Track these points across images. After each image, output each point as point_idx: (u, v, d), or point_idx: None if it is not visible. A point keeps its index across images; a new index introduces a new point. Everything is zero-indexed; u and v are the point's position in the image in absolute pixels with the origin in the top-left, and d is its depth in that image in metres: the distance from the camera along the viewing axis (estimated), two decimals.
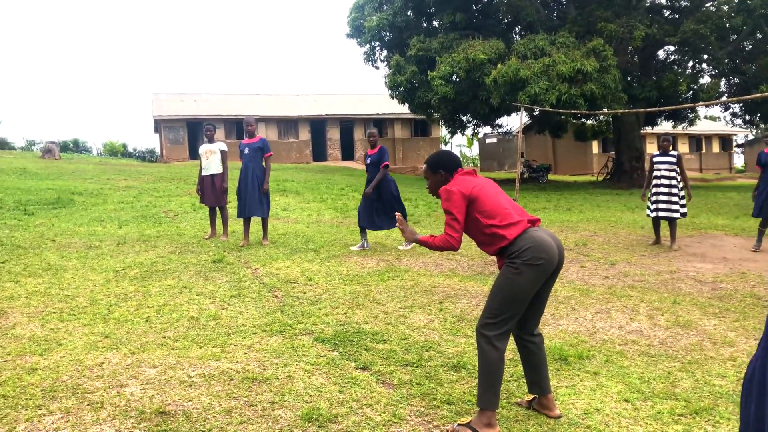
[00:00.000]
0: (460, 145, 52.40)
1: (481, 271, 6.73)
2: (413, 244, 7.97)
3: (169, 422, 2.94)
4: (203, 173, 8.63)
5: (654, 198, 8.30)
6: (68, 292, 5.49)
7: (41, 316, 4.77)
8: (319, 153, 32.29)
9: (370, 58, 24.46)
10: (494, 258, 5.33)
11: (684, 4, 22.96)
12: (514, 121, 36.50)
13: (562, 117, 23.80)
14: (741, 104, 24.76)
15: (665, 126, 30.06)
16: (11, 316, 4.77)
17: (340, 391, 3.34)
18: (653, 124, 27.16)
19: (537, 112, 23.17)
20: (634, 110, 18.10)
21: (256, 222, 9.11)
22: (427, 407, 3.18)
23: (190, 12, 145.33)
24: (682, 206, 8.19)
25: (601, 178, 26.28)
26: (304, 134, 32.05)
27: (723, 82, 23.76)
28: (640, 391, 3.41)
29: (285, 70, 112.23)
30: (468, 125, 26.79)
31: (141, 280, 6.06)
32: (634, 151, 23.17)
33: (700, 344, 4.25)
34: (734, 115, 26.37)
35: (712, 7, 21.51)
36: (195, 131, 30.12)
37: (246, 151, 8.21)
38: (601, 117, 26.06)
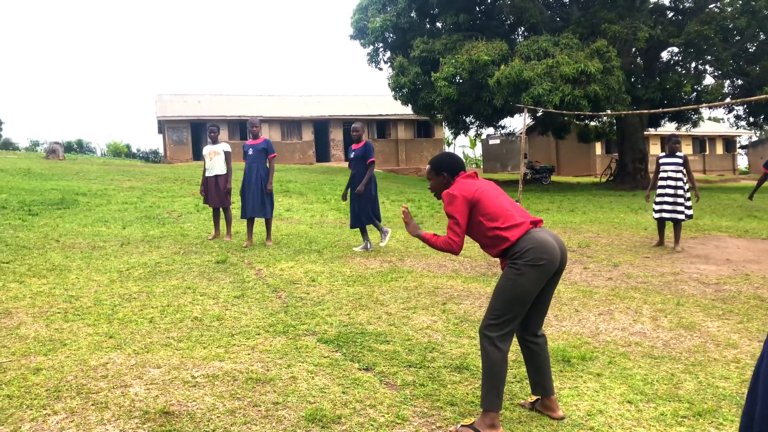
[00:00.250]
0: (463, 146, 52.46)
1: (485, 272, 6.73)
2: (367, 246, 7.89)
3: (173, 422, 2.96)
4: (207, 174, 8.65)
5: (659, 199, 8.27)
6: (72, 293, 5.52)
7: (46, 316, 4.79)
8: (323, 154, 32.31)
9: (373, 59, 24.48)
10: (497, 259, 5.33)
11: (688, 5, 22.92)
12: (517, 123, 36.50)
13: (566, 118, 23.80)
14: (745, 106, 24.70)
15: (669, 127, 30.01)
16: (16, 316, 4.79)
17: (343, 392, 3.35)
18: (657, 125, 27.12)
19: (540, 114, 23.15)
20: (638, 111, 18.07)
21: (259, 223, 9.13)
22: (430, 408, 3.19)
23: (193, 13, 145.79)
24: (688, 208, 8.16)
25: (604, 180, 26.25)
26: (308, 135, 32.08)
27: (727, 83, 23.71)
28: (643, 393, 3.41)
29: (288, 71, 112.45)
30: (471, 126, 26.79)
31: (145, 280, 6.08)
32: (637, 153, 23.14)
33: (704, 346, 4.25)
34: (738, 117, 26.31)
35: (716, 9, 21.46)
36: (198, 132, 30.17)
37: (250, 152, 8.23)
38: (605, 118, 26.03)
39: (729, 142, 41.91)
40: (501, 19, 23.50)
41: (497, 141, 37.42)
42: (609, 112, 19.33)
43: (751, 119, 25.96)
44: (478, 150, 44.76)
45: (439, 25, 23.62)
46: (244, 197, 8.25)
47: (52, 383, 3.42)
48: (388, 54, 24.32)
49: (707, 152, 40.13)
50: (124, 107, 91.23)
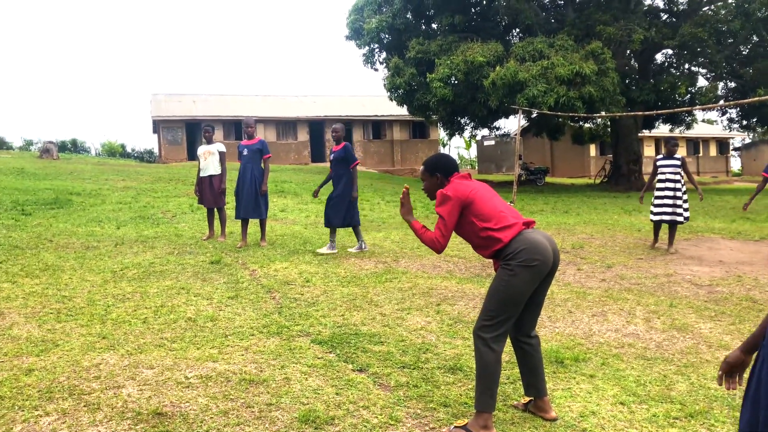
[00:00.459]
0: (458, 147, 52.59)
1: (479, 273, 6.74)
2: (334, 250, 7.81)
3: (166, 423, 2.95)
4: (201, 174, 8.64)
5: (659, 201, 8.25)
6: (66, 293, 5.49)
7: (38, 316, 4.77)
8: (318, 154, 32.28)
9: (369, 60, 24.49)
10: (491, 260, 5.34)
11: (682, 7, 23.03)
12: (512, 124, 36.58)
13: (560, 120, 23.85)
14: (738, 108, 24.82)
15: (663, 129, 30.14)
16: (8, 316, 4.77)
17: (337, 393, 3.35)
18: (651, 127, 27.23)
19: (535, 115, 23.22)
20: (632, 113, 18.13)
21: (254, 223, 9.11)
22: (423, 409, 3.19)
23: (189, 12, 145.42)
24: (686, 210, 8.18)
25: (598, 181, 26.33)
26: (303, 135, 32.05)
27: (720, 85, 23.84)
28: (636, 394, 3.42)
29: (284, 72, 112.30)
30: (466, 127, 26.85)
31: (139, 281, 6.07)
32: (631, 154, 23.23)
33: (696, 347, 4.27)
34: (731, 120, 26.44)
35: (710, 11, 21.58)
36: (193, 132, 30.10)
37: (245, 152, 8.22)
38: (599, 120, 26.12)
39: (722, 144, 42.10)
40: (496, 21, 23.56)
41: (492, 142, 37.46)
42: (603, 113, 19.40)
43: (744, 122, 26.11)
44: (473, 151, 44.81)
45: (434, 26, 23.67)
46: (238, 198, 8.24)
47: (45, 384, 3.40)
48: (384, 55, 24.35)
49: (701, 154, 40.29)
50: (119, 107, 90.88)
